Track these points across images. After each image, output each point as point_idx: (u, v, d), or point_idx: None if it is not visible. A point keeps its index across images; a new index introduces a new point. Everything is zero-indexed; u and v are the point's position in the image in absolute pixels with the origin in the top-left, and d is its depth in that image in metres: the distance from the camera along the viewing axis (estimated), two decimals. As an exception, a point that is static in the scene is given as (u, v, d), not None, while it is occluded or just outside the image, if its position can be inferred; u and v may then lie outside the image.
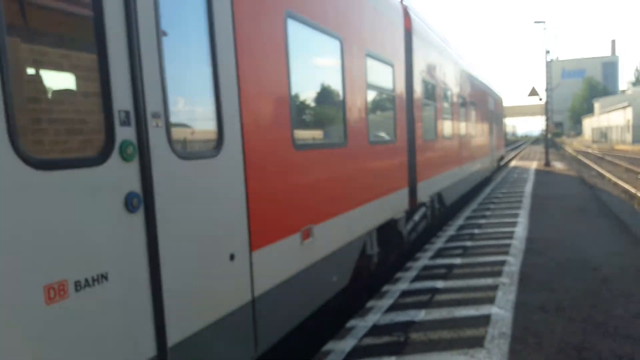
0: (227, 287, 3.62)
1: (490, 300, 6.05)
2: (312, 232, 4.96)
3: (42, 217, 2.29)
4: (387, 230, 7.62)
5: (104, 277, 2.59)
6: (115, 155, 2.68)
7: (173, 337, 3.04)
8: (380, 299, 6.37)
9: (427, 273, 7.49)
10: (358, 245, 6.34)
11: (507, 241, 9.20)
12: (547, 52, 31.03)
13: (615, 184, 23.55)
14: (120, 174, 2.72)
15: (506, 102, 33.43)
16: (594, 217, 11.70)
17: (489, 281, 6.84)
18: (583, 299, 6.04)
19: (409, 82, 8.77)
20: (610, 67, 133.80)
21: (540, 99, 38.29)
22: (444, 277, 7.19)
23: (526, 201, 14.36)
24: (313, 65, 5.41)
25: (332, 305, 6.07)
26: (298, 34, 4.78)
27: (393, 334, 5.20)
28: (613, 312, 5.61)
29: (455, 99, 13.18)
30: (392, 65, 7.76)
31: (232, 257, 3.66)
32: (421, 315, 5.70)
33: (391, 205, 7.59)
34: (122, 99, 2.71)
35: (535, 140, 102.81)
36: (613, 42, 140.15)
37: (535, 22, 30.33)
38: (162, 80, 2.99)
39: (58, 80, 2.86)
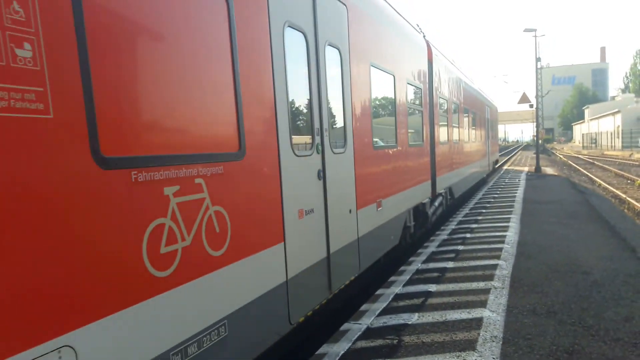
0: (349, 227, 6.13)
1: (482, 304, 6.10)
2: (381, 203, 7.42)
3: (297, 178, 4.76)
4: (418, 211, 9.99)
5: (312, 210, 5.11)
6: (315, 151, 5.20)
7: (332, 248, 5.56)
8: (373, 302, 6.40)
9: (420, 276, 7.53)
10: (403, 218, 8.80)
11: (498, 245, 9.27)
12: (538, 59, 31.32)
13: (606, 189, 23.79)
14: (316, 160, 5.24)
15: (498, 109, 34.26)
16: (585, 221, 11.82)
17: (480, 285, 6.89)
18: (574, 303, 6.11)
19: (430, 99, 11.25)
20: (600, 73, 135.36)
21: (531, 105, 38.68)
22: (436, 280, 7.23)
23: (517, 206, 14.48)
24: (380, 95, 7.91)
25: (327, 308, 6.10)
26: (375, 75, 7.42)
27: (386, 337, 5.23)
28: (603, 315, 5.67)
29: (460, 110, 15.80)
30: (420, 88, 10.30)
31: (350, 211, 6.18)
32: (414, 318, 5.74)
33: (421, 192, 10.14)
34: (316, 123, 5.28)
35: (526, 146, 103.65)
36: (603, 49, 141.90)
37: (525, 30, 30.24)
38: (327, 112, 5.58)
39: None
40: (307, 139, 5.13)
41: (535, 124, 33.30)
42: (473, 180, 19.05)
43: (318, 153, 5.26)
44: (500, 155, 45.88)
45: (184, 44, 3.29)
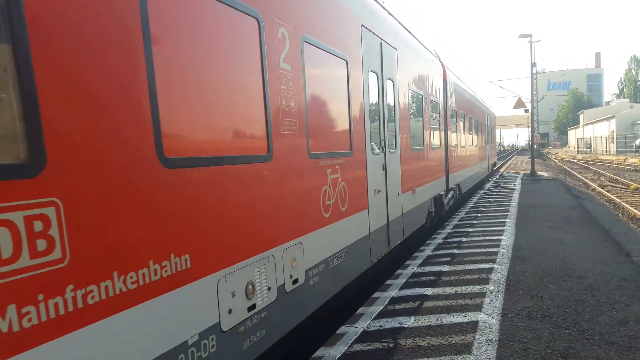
0: (397, 205, 8.40)
1: (478, 307, 6.13)
2: (415, 191, 9.79)
3: (373, 169, 7.08)
4: (436, 200, 12.37)
5: (380, 191, 7.27)
6: (381, 151, 7.47)
7: (390, 217, 7.86)
8: (370, 306, 6.42)
9: (416, 280, 7.56)
10: (427, 204, 11.17)
11: (494, 249, 9.32)
12: (534, 64, 31.47)
13: (600, 194, 23.92)
14: (382, 158, 7.52)
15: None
16: (579, 226, 11.89)
17: (476, 288, 6.92)
18: (568, 306, 6.14)
19: (445, 110, 13.83)
20: (595, 79, 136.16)
21: (526, 110, 38.86)
22: (432, 284, 7.26)
23: (513, 210, 14.54)
24: (415, 109, 10.34)
25: (323, 312, 6.09)
26: (412, 96, 9.87)
27: (382, 341, 5.25)
28: (598, 319, 5.71)
29: (466, 118, 18.31)
30: (438, 102, 12.83)
31: (398, 194, 8.44)
32: (410, 321, 5.76)
33: (439, 186, 12.63)
34: (382, 132, 7.58)
35: (521, 150, 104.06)
36: (598, 54, 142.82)
37: (521, 35, 30.34)
38: (387, 125, 7.85)
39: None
40: (377, 143, 7.51)
41: (530, 128, 33.43)
42: (476, 179, 22.08)
43: (383, 153, 7.70)
44: (497, 159, 46.65)
45: (337, 100, 6.09)
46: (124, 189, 2.80)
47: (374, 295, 6.90)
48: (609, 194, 22.83)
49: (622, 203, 19.84)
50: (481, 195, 19.09)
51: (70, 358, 2.45)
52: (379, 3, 8.11)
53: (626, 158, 52.31)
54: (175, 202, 3.18)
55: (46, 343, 2.34)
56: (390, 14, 8.84)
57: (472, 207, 15.75)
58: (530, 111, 34.55)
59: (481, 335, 5.27)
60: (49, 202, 2.37)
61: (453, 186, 14.73)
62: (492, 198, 18.11)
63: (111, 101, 2.71)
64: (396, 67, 8.59)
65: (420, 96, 10.70)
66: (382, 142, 7.70)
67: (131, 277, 2.81)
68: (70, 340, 2.45)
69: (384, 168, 7.71)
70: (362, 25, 6.88)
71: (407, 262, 8.79)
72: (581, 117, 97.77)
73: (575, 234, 10.85)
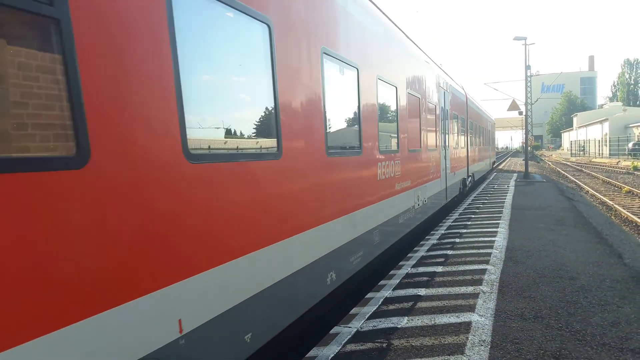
0: (450, 179, 15.03)
1: (471, 308, 6.15)
2: (455, 173, 16.19)
3: (442, 156, 13.79)
4: (463, 182, 18.61)
5: (442, 170, 13.76)
6: (443, 148, 13.95)
7: (447, 184, 14.61)
8: (363, 306, 6.42)
9: (409, 281, 7.57)
10: (459, 182, 17.39)
11: (487, 250, 9.35)
12: (528, 67, 31.60)
13: (593, 196, 24.05)
14: (445, 152, 14.21)
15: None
16: (572, 227, 11.95)
17: (469, 289, 6.94)
18: (561, 307, 6.17)
19: (465, 123, 19.77)
20: (588, 82, 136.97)
21: (520, 113, 39.00)
22: (426, 284, 7.27)
23: (506, 211, 14.60)
24: (455, 122, 16.59)
25: (316, 312, 6.09)
26: (453, 117, 16.16)
27: (376, 341, 5.25)
28: (590, 320, 5.75)
29: (476, 126, 24.82)
30: (464, 118, 19.22)
31: (449, 172, 14.72)
32: (403, 322, 5.76)
33: (464, 172, 18.96)
34: (444, 139, 14.20)
35: (515, 153, 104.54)
36: (591, 57, 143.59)
37: (515, 38, 30.42)
38: (446, 134, 14.62)
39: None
40: (442, 144, 13.66)
41: (524, 130, 33.54)
42: (483, 172, 29.39)
43: (445, 150, 14.01)
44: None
45: (433, 125, 12.70)
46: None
47: (367, 296, 6.90)
48: (602, 197, 22.97)
49: (614, 205, 19.97)
50: (475, 197, 19.16)
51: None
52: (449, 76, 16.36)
53: (619, 161, 52.66)
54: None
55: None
56: (451, 78, 16.73)
57: (465, 209, 15.80)
58: (524, 113, 34.67)
59: (474, 335, 5.29)
60: None
61: (471, 174, 21.55)
62: (485, 199, 18.17)
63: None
64: (467, 111, 19.74)
65: (455, 115, 16.83)
66: (445, 144, 14.24)
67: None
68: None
69: (445, 157, 14.18)
70: (446, 88, 14.75)
71: (401, 263, 8.80)
72: (575, 119, 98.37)
73: (568, 235, 10.91)
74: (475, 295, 6.65)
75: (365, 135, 7.00)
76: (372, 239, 7.25)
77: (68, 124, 2.57)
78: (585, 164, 53.93)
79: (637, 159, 49.96)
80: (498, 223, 12.50)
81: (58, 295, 2.45)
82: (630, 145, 58.80)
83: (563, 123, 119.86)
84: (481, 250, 9.37)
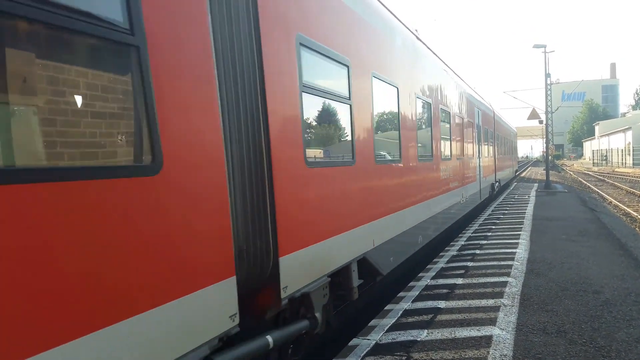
0: (483, 182, 18.50)
1: (492, 322, 6.07)
2: (486, 178, 19.53)
3: (478, 164, 17.64)
4: (491, 185, 21.92)
5: (478, 174, 17.16)
6: (478, 157, 17.41)
7: (481, 187, 18.01)
8: (382, 318, 6.38)
9: (429, 293, 7.51)
10: (490, 186, 20.98)
11: (508, 262, 9.22)
12: (548, 75, 31.26)
13: (617, 207, 23.58)
14: (477, 160, 17.10)
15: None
16: (595, 239, 11.73)
17: (490, 302, 6.86)
18: (585, 322, 6.06)
19: (493, 135, 22.85)
20: (610, 90, 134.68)
21: (541, 121, 38.56)
22: (446, 297, 7.21)
23: (527, 222, 14.40)
24: (485, 135, 19.85)
25: (336, 324, 6.09)
26: (483, 129, 19.23)
27: (395, 353, 5.22)
28: (615, 335, 5.62)
29: (502, 138, 28.38)
30: (492, 131, 22.57)
31: (480, 177, 17.54)
32: (423, 334, 5.72)
33: (492, 178, 21.78)
34: (479, 149, 17.57)
35: (535, 162, 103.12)
36: (613, 65, 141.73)
37: (535, 45, 30.13)
38: (481, 147, 18.26)
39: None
40: (477, 154, 17.13)
41: (545, 140, 33.14)
42: (507, 178, 32.51)
43: (479, 158, 17.35)
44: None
45: (469, 138, 15.77)
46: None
47: (386, 308, 6.86)
48: (626, 207, 22.50)
49: (639, 217, 19.54)
50: (495, 207, 18.96)
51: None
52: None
53: (643, 170, 51.55)
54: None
55: None
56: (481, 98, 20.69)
57: (485, 219, 15.63)
58: (544, 122, 34.28)
59: (495, 350, 5.22)
60: None
61: (498, 180, 24.67)
62: (506, 210, 17.96)
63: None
64: (494, 125, 23.34)
65: (486, 130, 19.98)
66: (479, 153, 17.30)
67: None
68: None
69: (479, 165, 17.19)
70: (479, 107, 18.00)
71: (420, 275, 8.73)
72: (596, 128, 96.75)
73: (591, 247, 10.71)
74: (496, 309, 6.57)
75: (433, 146, 10.33)
76: (438, 219, 10.66)
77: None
78: (608, 173, 52.89)
79: (662, 168, 48.83)
80: (519, 234, 12.34)
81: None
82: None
83: (584, 132, 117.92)
84: (502, 262, 9.25)
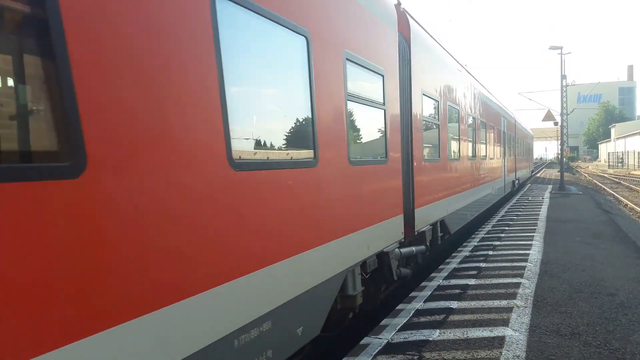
0: (507, 178, 22.45)
1: (505, 322, 6.04)
2: (509, 175, 23.24)
3: (503, 162, 21.50)
4: (512, 183, 25.96)
5: (503, 171, 21.35)
6: (504, 157, 21.79)
7: (505, 183, 22.15)
8: (394, 317, 6.38)
9: (441, 293, 7.48)
10: (511, 183, 24.97)
11: (521, 263, 9.15)
12: (564, 76, 30.96)
13: (632, 210, 23.27)
14: (503, 160, 21.50)
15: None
16: (610, 241, 11.59)
17: (503, 303, 6.82)
18: (599, 324, 6.00)
19: (513, 139, 26.69)
20: (627, 92, 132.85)
21: (556, 123, 38.16)
22: (458, 297, 7.18)
23: (541, 224, 14.27)
24: (509, 140, 24.61)
25: (347, 323, 6.10)
26: (507, 136, 23.49)
27: (407, 353, 5.21)
28: (630, 338, 5.56)
29: (521, 141, 31.59)
30: (513, 135, 26.48)
31: (504, 174, 21.44)
32: (435, 334, 5.70)
33: (512, 176, 25.25)
34: (503, 151, 21.72)
35: (550, 164, 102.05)
36: (630, 67, 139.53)
37: (551, 47, 29.81)
38: (507, 149, 23.51)
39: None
40: (502, 154, 20.91)
41: (559, 141, 32.80)
42: (524, 177, 36.30)
43: (503, 158, 20.95)
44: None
45: (497, 141, 19.90)
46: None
47: (398, 307, 6.85)
48: (642, 210, 22.18)
49: (655, 220, 19.25)
50: (509, 208, 18.80)
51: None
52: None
53: (660, 173, 50.73)
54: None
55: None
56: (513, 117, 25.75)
57: (499, 220, 15.52)
58: (559, 124, 33.93)
59: (508, 350, 5.19)
60: None
61: (517, 178, 28.03)
62: (519, 211, 17.80)
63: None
64: (515, 130, 27.29)
65: (509, 135, 22.60)
66: (504, 154, 20.38)
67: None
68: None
69: (504, 164, 20.35)
70: (504, 116, 21.88)
71: (433, 275, 8.70)
72: (612, 130, 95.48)
73: (606, 250, 10.59)
74: (509, 310, 6.53)
75: (476, 149, 13.86)
76: (476, 205, 13.82)
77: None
78: (623, 176, 52.13)
79: (680, 171, 48.02)
80: (532, 235, 12.23)
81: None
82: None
83: (600, 134, 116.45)
84: (515, 264, 9.18)
